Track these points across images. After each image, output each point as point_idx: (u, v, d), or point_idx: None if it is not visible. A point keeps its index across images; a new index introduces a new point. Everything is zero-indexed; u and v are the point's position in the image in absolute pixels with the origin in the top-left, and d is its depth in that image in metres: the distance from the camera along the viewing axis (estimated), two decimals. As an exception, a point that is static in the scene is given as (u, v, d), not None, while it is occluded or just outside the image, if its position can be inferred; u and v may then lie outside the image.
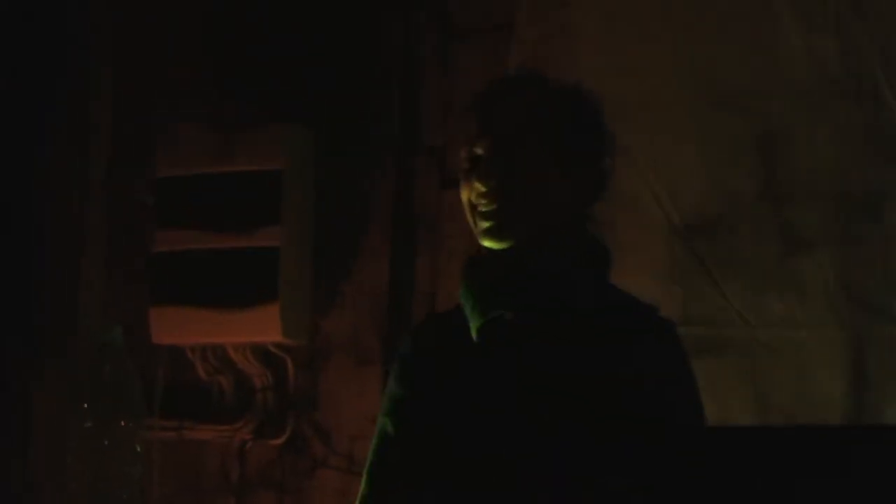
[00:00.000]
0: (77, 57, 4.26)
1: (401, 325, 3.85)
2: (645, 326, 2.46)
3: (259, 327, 3.86)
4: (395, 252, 3.94)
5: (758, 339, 3.52)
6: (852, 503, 2.53)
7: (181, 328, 3.92)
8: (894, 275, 3.53)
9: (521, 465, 2.43)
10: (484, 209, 2.44)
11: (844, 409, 3.44)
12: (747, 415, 3.44)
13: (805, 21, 3.63)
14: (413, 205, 3.91)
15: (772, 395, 3.50)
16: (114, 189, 4.18)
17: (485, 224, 2.45)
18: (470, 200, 2.45)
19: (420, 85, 3.92)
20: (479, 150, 2.44)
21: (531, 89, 2.52)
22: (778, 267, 3.52)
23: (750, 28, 3.62)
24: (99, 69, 4.25)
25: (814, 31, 3.55)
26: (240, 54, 4.11)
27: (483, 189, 2.43)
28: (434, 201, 3.85)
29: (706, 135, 3.60)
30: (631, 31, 3.71)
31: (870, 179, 3.51)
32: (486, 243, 2.47)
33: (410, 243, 3.91)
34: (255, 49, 4.10)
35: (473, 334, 2.47)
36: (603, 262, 2.51)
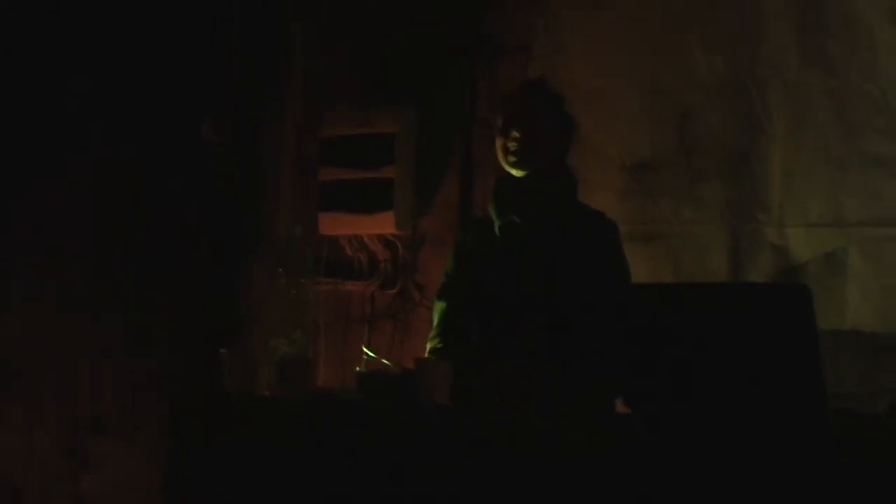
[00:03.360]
0: (287, 69, 4.84)
1: (464, 223, 4.34)
2: (596, 225, 3.17)
3: (382, 224, 4.46)
4: (461, 179, 4.50)
5: (675, 232, 4.04)
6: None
7: (336, 225, 4.54)
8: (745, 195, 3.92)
9: (519, 304, 3.13)
10: (512, 150, 3.14)
11: (723, 277, 3.91)
12: (668, 279, 3.86)
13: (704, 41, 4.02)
14: (472, 151, 4.50)
15: (681, 266, 4.01)
16: (299, 145, 4.79)
17: (512, 159, 3.15)
18: (505, 145, 3.16)
19: (477, 83, 4.49)
20: (512, 120, 3.17)
21: (538, 91, 3.30)
22: (688, 190, 4.05)
23: (673, 46, 4.12)
24: (300, 72, 4.80)
25: (711, 51, 4.03)
26: (380, 60, 4.65)
27: (515, 137, 3.12)
28: (484, 150, 4.28)
29: (645, 111, 4.15)
30: (603, 49, 4.24)
31: (745, 140, 3.97)
32: (513, 171, 3.15)
33: (470, 175, 4.48)
34: (388, 56, 4.62)
35: (496, 231, 3.15)
36: (574, 187, 3.22)
